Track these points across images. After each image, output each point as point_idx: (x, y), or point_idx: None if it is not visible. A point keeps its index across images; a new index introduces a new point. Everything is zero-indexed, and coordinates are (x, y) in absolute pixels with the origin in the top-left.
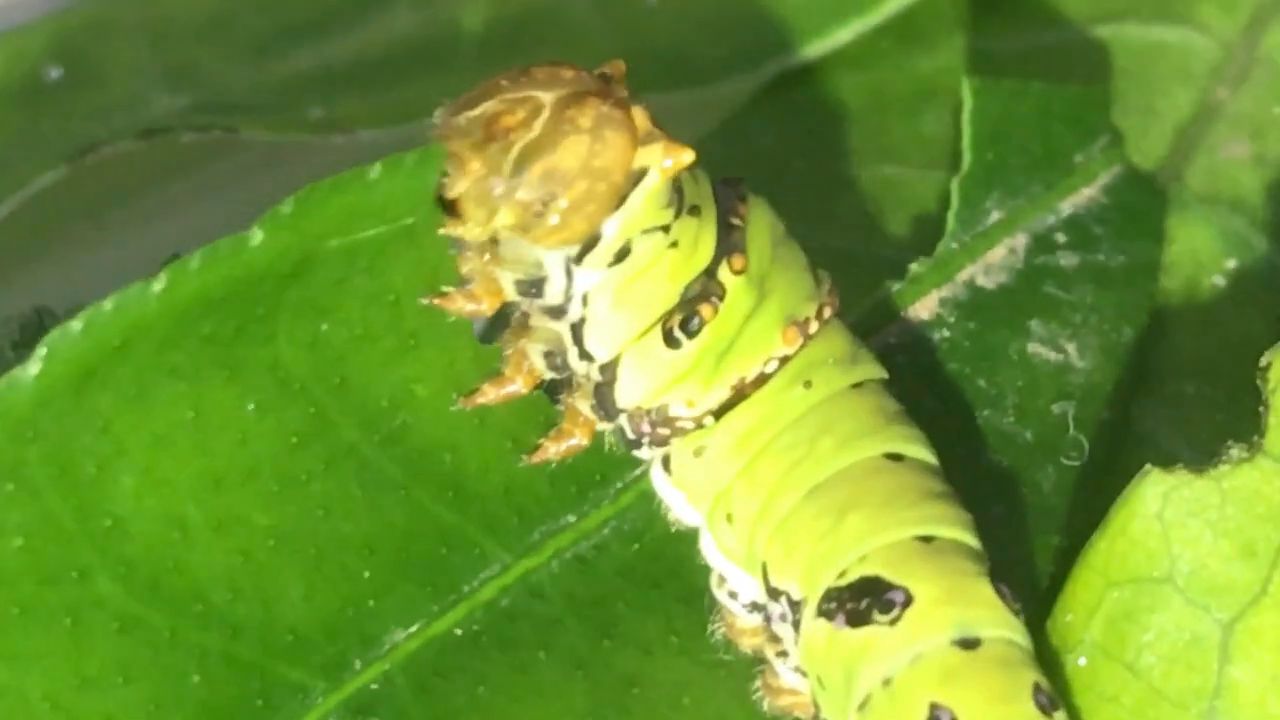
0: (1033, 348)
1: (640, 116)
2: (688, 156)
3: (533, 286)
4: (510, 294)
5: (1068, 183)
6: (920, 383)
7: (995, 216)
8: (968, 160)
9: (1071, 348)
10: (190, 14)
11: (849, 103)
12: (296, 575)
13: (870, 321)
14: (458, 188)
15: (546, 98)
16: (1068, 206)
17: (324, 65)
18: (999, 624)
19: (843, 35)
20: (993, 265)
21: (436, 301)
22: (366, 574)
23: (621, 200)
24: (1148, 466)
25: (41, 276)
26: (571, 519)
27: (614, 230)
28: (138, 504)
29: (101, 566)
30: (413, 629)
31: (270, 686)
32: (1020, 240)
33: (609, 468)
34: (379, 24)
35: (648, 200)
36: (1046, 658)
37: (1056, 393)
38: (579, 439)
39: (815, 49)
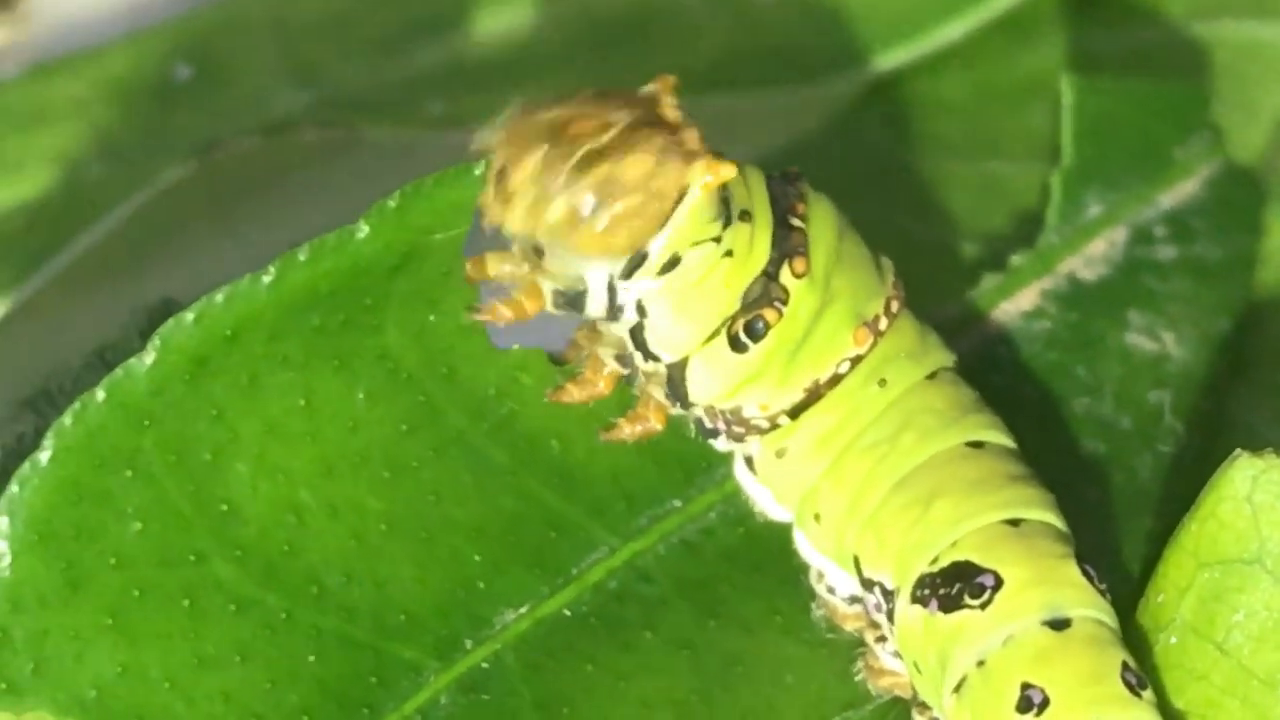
0: (1131, 338)
1: (690, 136)
2: (729, 171)
3: (570, 300)
4: (548, 303)
5: (1166, 177)
6: (1021, 372)
7: (1095, 210)
8: (1068, 155)
9: (1169, 338)
10: (314, 13)
11: (955, 98)
12: (408, 558)
13: (971, 313)
14: (519, 173)
15: (619, 115)
16: (1167, 200)
17: (444, 63)
18: (1087, 604)
19: (950, 33)
20: (1093, 258)
21: (477, 316)
22: (477, 557)
23: (665, 219)
24: (1237, 451)
25: (169, 268)
26: (677, 504)
27: (659, 248)
28: (252, 490)
29: (218, 550)
30: (522, 610)
31: (384, 665)
32: (1120, 233)
33: (714, 454)
34: (498, 21)
35: (692, 216)
36: (1138, 637)
37: (1154, 381)
38: (653, 423)
39: (923, 46)
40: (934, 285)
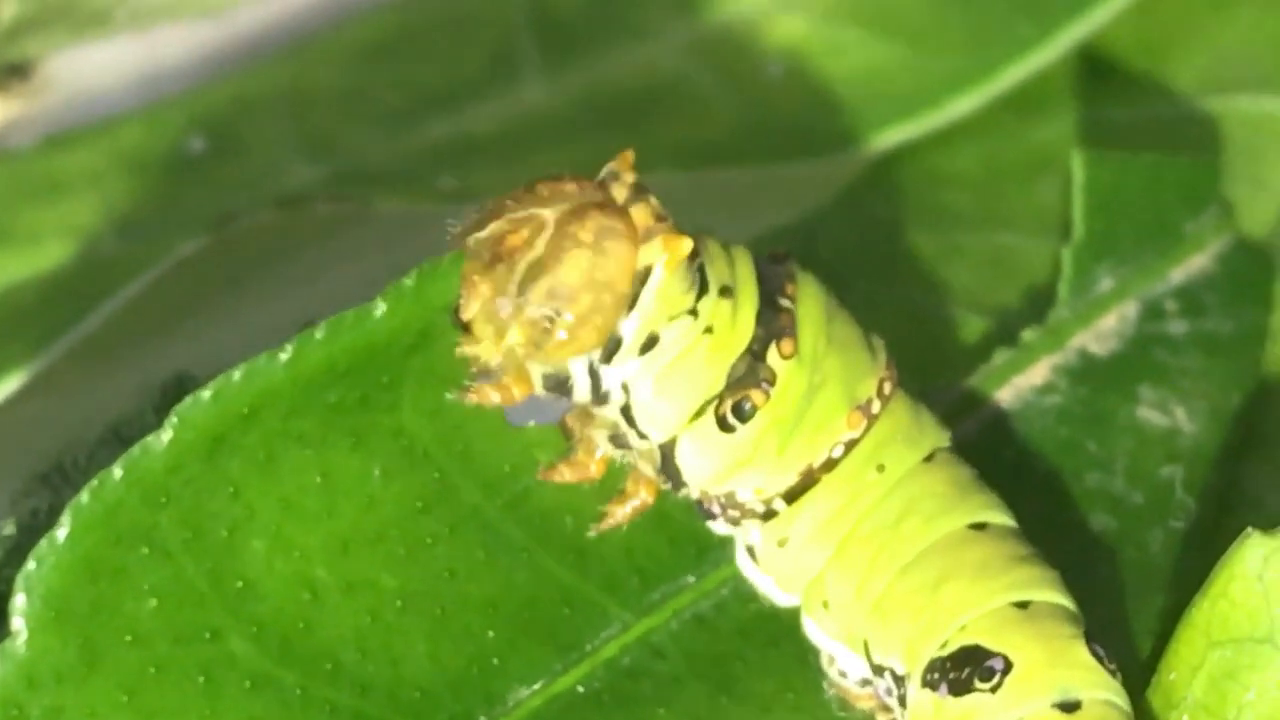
0: (1142, 413)
1: (641, 213)
2: (685, 247)
3: (559, 385)
4: (538, 388)
5: (1178, 251)
6: (1031, 447)
7: (1106, 285)
8: (1079, 230)
9: (1180, 412)
10: (328, 88)
11: (964, 172)
12: (423, 635)
13: (982, 388)
14: (469, 310)
15: (549, 214)
16: (1178, 275)
17: (456, 137)
18: (1098, 685)
19: (960, 107)
20: (1104, 332)
21: (468, 397)
22: (491, 633)
23: (633, 301)
24: (1249, 529)
25: (183, 342)
26: (691, 579)
27: (632, 331)
28: (268, 566)
29: (234, 627)
30: (536, 686)
31: None
32: (1131, 308)
33: None
34: (509, 96)
35: (659, 296)
36: (1150, 715)
37: (1165, 456)
38: (644, 498)
39: (932, 120)
40: (944, 360)
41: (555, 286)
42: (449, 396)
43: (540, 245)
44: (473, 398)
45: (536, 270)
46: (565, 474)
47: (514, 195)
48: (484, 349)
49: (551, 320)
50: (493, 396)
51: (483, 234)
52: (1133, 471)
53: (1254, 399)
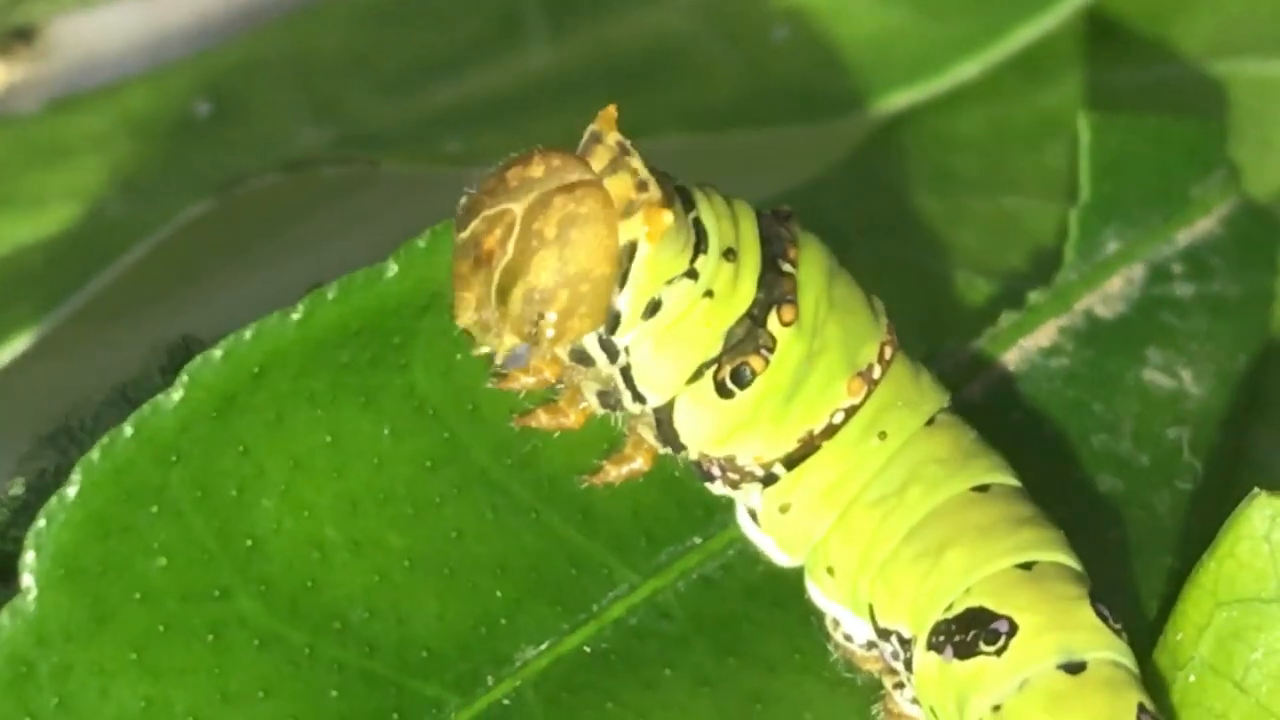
0: (1149, 375)
1: (620, 184)
2: (666, 220)
3: (581, 356)
4: (566, 362)
5: (1184, 214)
6: (1038, 409)
7: (1113, 247)
8: (1086, 193)
9: (1187, 375)
10: (334, 51)
11: (972, 136)
12: (431, 594)
13: (989, 350)
14: (464, 318)
15: (518, 209)
16: (1184, 238)
17: (462, 100)
18: (1103, 646)
19: (967, 70)
20: (1110, 295)
21: (504, 385)
22: (498, 593)
23: (625, 275)
24: (1256, 490)
25: (190, 304)
26: (698, 540)
27: (627, 302)
28: (277, 525)
29: (242, 585)
30: (543, 646)
31: (405, 701)
32: (1137, 271)
33: None
34: (515, 59)
35: (648, 267)
36: (1156, 675)
37: (1172, 418)
38: (640, 464)
39: (940, 83)
40: (951, 323)
41: (529, 291)
42: (489, 385)
43: (510, 248)
44: (509, 385)
45: (510, 276)
46: (542, 419)
47: (488, 186)
48: (491, 346)
49: (536, 322)
50: (526, 381)
51: (465, 234)
52: (1139, 433)
53: (1260, 361)
